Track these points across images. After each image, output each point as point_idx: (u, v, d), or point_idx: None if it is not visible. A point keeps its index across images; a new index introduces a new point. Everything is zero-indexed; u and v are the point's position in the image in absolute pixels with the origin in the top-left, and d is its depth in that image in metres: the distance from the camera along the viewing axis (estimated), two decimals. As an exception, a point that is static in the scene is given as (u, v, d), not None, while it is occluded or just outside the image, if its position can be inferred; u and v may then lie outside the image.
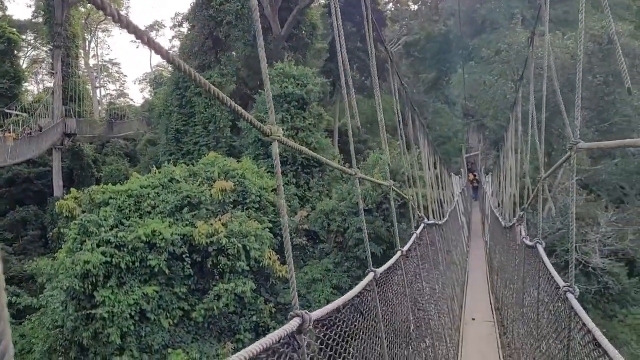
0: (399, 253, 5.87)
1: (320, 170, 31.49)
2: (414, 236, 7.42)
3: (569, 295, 3.56)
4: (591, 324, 3.05)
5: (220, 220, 19.80)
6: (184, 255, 18.78)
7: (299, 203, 28.81)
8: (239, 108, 2.06)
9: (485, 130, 36.01)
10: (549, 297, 4.62)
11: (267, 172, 28.09)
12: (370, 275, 4.44)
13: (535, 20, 7.92)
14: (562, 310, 3.82)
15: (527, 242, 6.76)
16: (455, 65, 44.89)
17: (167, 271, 18.27)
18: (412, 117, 11.90)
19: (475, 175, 39.33)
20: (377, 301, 4.54)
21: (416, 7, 61.63)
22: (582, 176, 22.09)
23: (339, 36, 4.52)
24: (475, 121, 38.30)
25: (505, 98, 24.23)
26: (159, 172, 22.07)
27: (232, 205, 21.36)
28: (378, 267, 4.82)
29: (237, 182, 21.92)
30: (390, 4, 63.07)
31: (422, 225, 8.70)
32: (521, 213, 8.56)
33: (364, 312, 4.21)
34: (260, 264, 19.99)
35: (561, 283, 3.87)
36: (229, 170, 22.35)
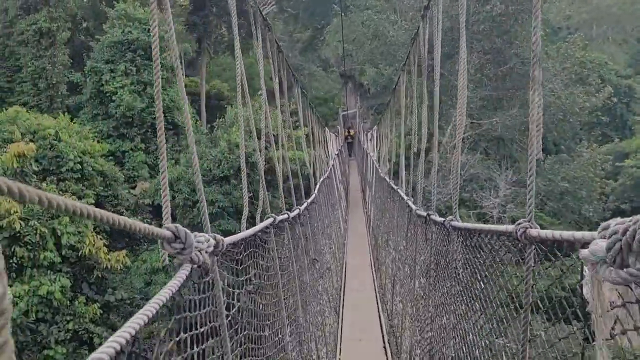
0: None
1: (176, 134, 26.74)
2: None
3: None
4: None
5: (17, 196, 14.47)
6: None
7: (149, 173, 24.14)
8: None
9: (361, 90, 33.10)
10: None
11: (104, 137, 22.82)
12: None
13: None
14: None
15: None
16: (329, 20, 41.73)
17: None
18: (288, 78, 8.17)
19: (350, 131, 38.05)
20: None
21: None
22: (472, 133, 19.33)
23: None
24: (350, 78, 35.26)
25: (387, 39, 20.85)
26: None
27: (38, 177, 16.00)
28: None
29: (48, 146, 16.50)
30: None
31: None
32: None
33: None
34: (80, 253, 15.09)
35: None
36: (38, 130, 16.81)
